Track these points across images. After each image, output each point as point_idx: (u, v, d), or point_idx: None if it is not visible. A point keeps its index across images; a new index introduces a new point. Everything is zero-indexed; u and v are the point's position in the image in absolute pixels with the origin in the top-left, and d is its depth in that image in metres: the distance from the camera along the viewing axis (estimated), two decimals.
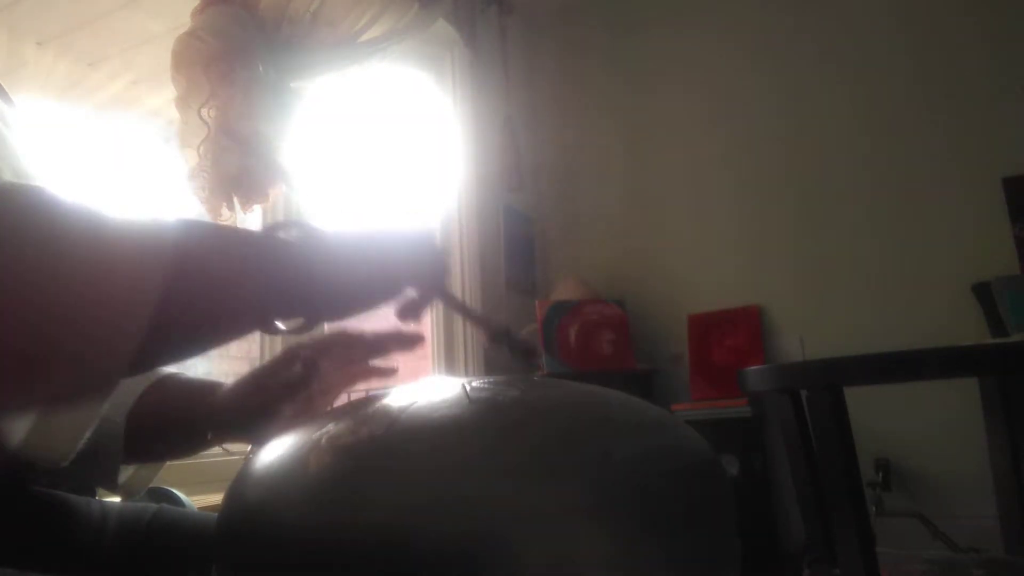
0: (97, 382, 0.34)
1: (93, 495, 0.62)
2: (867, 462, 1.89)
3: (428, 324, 2.16)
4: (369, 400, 0.43)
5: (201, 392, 0.61)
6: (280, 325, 0.44)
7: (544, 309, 2.14)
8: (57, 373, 0.32)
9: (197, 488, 1.06)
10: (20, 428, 0.34)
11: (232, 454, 0.62)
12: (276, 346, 1.57)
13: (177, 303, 0.35)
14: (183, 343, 0.40)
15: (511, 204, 2.41)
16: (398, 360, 0.62)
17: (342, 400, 0.57)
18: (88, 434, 0.37)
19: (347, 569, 0.30)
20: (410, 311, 0.50)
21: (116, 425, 0.56)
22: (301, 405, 0.59)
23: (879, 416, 1.77)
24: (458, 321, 2.15)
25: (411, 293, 0.49)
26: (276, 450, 0.38)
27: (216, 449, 0.62)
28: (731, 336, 2.18)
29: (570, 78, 2.66)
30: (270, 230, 0.46)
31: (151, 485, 0.67)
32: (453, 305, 0.54)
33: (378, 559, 0.30)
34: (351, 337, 0.59)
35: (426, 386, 0.42)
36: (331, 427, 0.38)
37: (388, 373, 0.63)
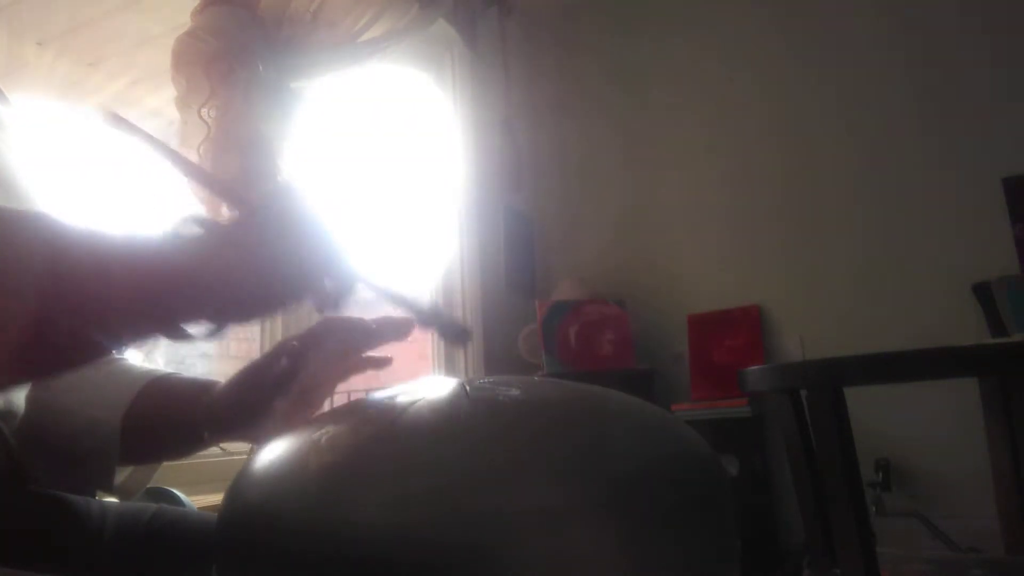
0: None
1: (93, 495, 0.62)
2: (867, 462, 1.89)
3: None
4: (369, 400, 0.43)
5: (196, 392, 0.60)
6: (188, 330, 0.41)
7: (544, 309, 2.14)
8: None
9: (197, 488, 1.06)
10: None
11: (231, 454, 0.62)
12: None
13: (59, 310, 0.35)
14: (69, 351, 0.38)
15: (511, 204, 2.41)
16: (391, 349, 0.60)
17: (341, 399, 0.56)
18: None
19: (347, 569, 0.30)
20: (328, 303, 0.47)
21: (112, 427, 0.56)
22: (295, 399, 0.58)
23: (879, 416, 1.76)
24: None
25: (326, 284, 0.46)
26: (276, 450, 0.38)
27: (215, 449, 0.62)
28: (731, 336, 2.18)
29: (570, 78, 2.66)
30: (173, 227, 0.43)
31: (150, 485, 0.67)
32: (375, 290, 0.51)
33: (378, 559, 0.30)
34: (342, 327, 0.57)
35: (426, 386, 0.42)
36: (331, 427, 0.38)
37: (382, 363, 0.62)
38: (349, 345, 0.58)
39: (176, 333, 0.41)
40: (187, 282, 0.40)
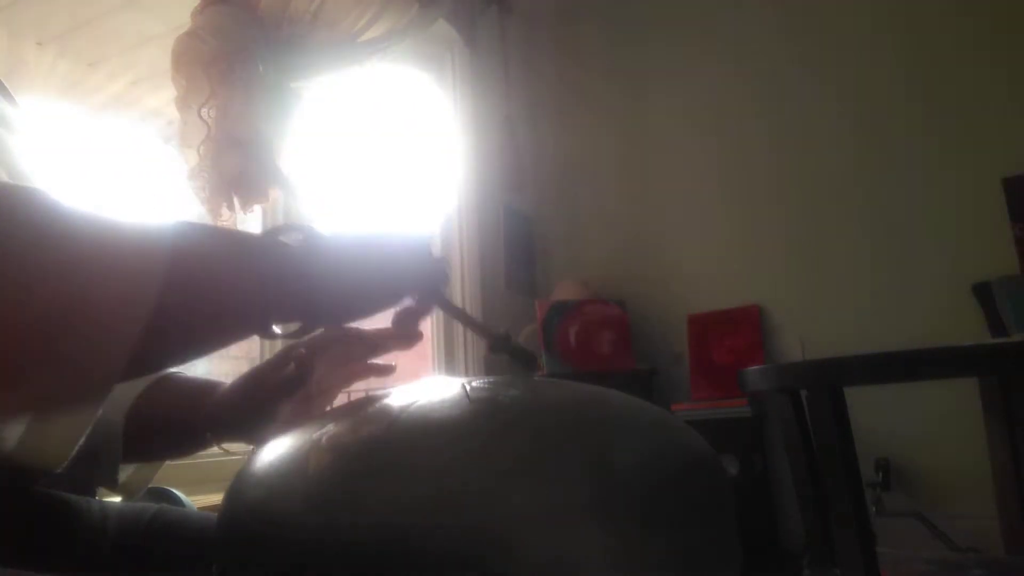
0: (92, 386, 0.33)
1: (93, 495, 0.62)
2: (867, 462, 1.89)
3: (428, 324, 2.16)
4: (369, 400, 0.43)
5: (200, 392, 0.61)
6: (277, 329, 0.44)
7: (544, 309, 2.14)
8: (52, 376, 0.31)
9: (197, 488, 1.06)
10: (14, 433, 0.33)
11: (232, 454, 0.62)
12: (277, 346, 1.57)
13: (174, 307, 0.35)
14: (180, 347, 0.39)
15: (511, 204, 2.41)
16: (396, 358, 0.62)
17: (342, 400, 0.57)
18: (82, 440, 0.36)
19: (347, 569, 0.30)
20: (409, 319, 0.50)
21: (116, 424, 0.56)
22: (299, 404, 0.59)
23: (879, 416, 1.77)
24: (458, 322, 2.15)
25: (409, 300, 0.50)
26: (276, 450, 0.38)
27: (216, 449, 0.62)
28: (731, 336, 2.18)
29: (570, 78, 2.66)
30: (271, 233, 0.46)
31: (151, 485, 0.67)
32: (453, 313, 0.55)
33: (378, 559, 0.30)
34: (348, 335, 0.59)
35: (426, 386, 0.42)
36: (331, 427, 0.38)
37: (386, 371, 0.63)
38: (354, 353, 0.59)
39: (268, 332, 0.43)
40: (298, 285, 0.42)
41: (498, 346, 0.53)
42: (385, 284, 0.47)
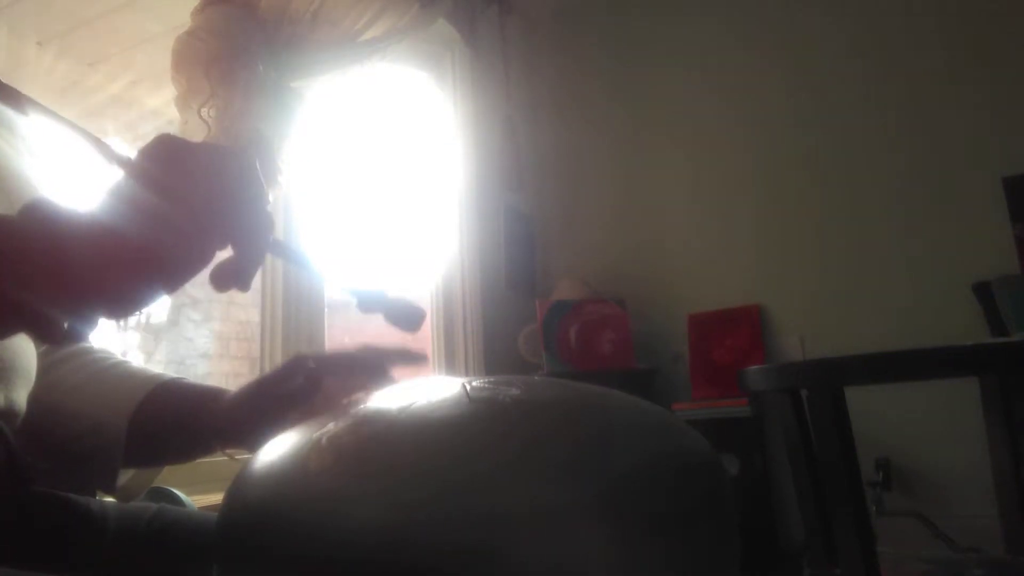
0: None
1: (94, 495, 0.62)
2: (867, 462, 1.89)
3: (428, 324, 2.16)
4: (369, 400, 0.43)
5: (205, 398, 0.61)
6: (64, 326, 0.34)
7: (544, 309, 2.14)
8: None
9: (197, 488, 1.06)
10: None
11: (233, 460, 0.62)
12: (277, 346, 1.57)
13: None
14: None
15: (511, 204, 2.41)
16: (401, 377, 0.61)
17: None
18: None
19: (346, 569, 0.30)
20: (230, 278, 0.36)
21: (117, 429, 0.56)
22: (303, 417, 0.59)
23: (879, 416, 1.77)
24: (458, 321, 2.15)
25: (226, 253, 0.37)
26: (276, 450, 0.38)
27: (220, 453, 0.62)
28: (731, 336, 2.18)
29: (570, 77, 2.66)
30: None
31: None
32: (288, 256, 0.43)
33: (378, 559, 0.30)
34: (357, 354, 0.58)
35: (426, 386, 0.42)
36: (331, 427, 0.38)
37: (389, 383, 0.63)
38: (362, 372, 0.58)
39: (54, 333, 0.33)
40: (53, 261, 0.32)
41: (368, 304, 0.47)
42: (177, 241, 0.33)
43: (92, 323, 0.34)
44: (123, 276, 0.33)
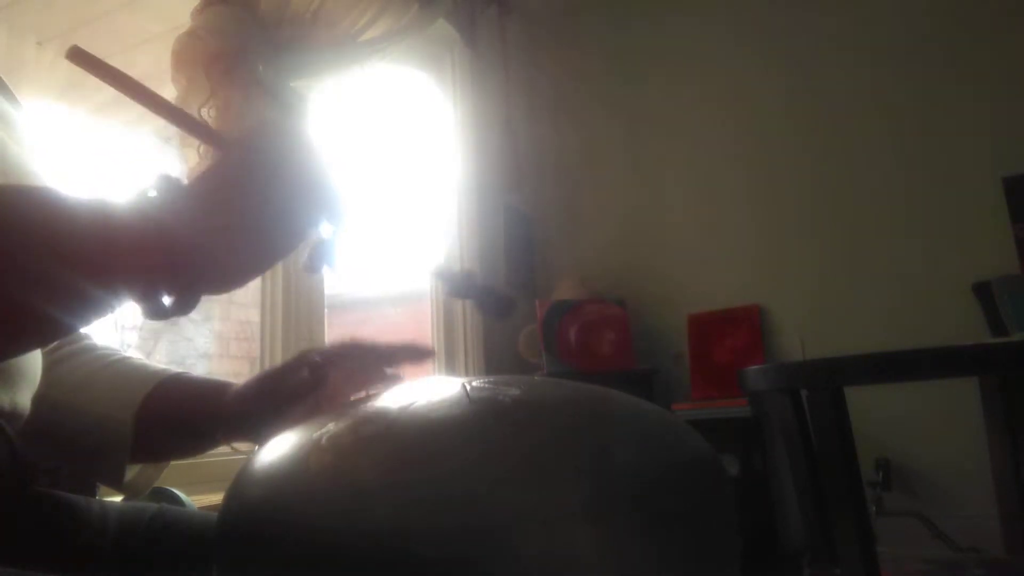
0: None
1: (94, 494, 0.62)
2: (867, 462, 1.89)
3: (428, 324, 2.16)
4: (369, 400, 0.43)
5: (210, 392, 0.61)
6: (162, 302, 0.36)
7: (544, 309, 2.14)
8: None
9: (197, 488, 1.06)
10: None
11: (239, 453, 0.62)
12: (277, 346, 1.57)
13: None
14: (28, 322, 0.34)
15: (511, 204, 2.41)
16: (407, 372, 0.61)
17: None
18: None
19: (347, 569, 0.30)
20: (319, 259, 0.41)
21: (124, 424, 0.56)
22: (309, 410, 0.59)
23: (879, 416, 1.77)
24: (458, 321, 2.15)
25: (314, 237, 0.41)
26: (276, 450, 0.38)
27: (217, 449, 0.62)
28: (731, 336, 2.18)
29: (570, 77, 2.66)
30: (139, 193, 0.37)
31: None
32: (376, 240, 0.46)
33: (378, 559, 0.30)
34: (362, 348, 0.58)
35: (426, 386, 0.42)
36: (331, 427, 0.38)
37: (395, 383, 0.63)
38: (368, 366, 0.58)
39: (150, 305, 0.36)
40: (152, 245, 0.34)
41: (457, 289, 0.47)
42: (270, 225, 0.37)
43: (195, 299, 0.37)
44: (234, 251, 0.37)
